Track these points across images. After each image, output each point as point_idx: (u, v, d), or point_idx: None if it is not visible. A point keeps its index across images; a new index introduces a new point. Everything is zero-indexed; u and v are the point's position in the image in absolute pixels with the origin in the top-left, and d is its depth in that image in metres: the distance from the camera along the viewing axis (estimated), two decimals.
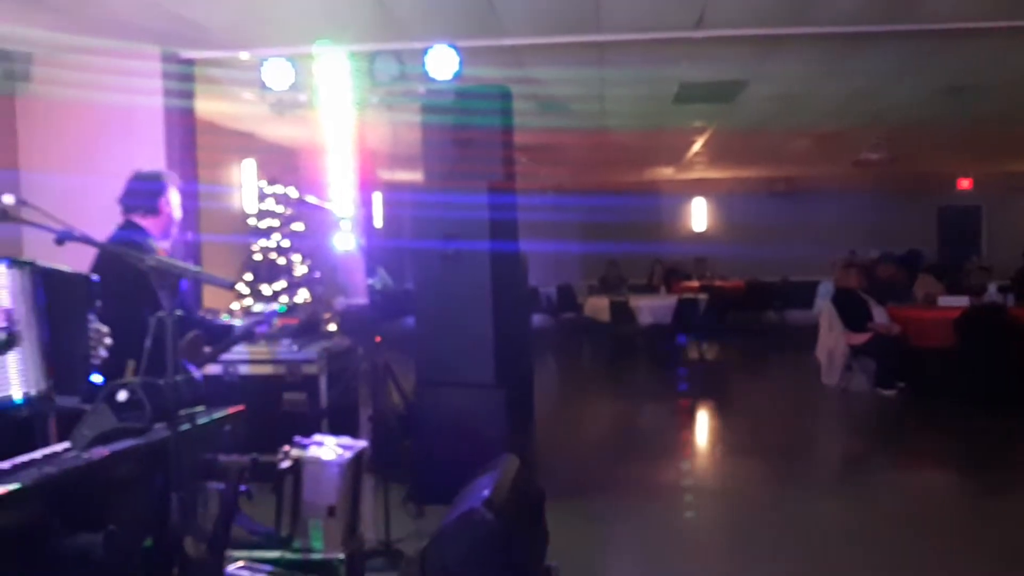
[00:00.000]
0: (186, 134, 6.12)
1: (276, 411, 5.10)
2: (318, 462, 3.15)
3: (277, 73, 5.29)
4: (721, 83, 7.75)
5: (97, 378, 2.13)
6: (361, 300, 5.43)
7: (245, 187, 9.67)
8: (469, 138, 5.34)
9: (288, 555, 3.10)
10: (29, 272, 1.88)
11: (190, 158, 6.13)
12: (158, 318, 1.97)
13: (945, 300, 9.08)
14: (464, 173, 5.27)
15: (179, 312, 2.06)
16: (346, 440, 3.34)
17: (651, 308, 11.47)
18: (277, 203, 8.93)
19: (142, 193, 3.54)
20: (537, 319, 14.68)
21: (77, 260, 2.31)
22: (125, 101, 5.74)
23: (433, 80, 5.23)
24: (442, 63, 5.17)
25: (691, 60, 6.86)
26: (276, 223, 8.90)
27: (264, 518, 3.13)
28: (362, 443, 3.37)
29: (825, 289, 10.27)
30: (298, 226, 9.03)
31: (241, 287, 8.32)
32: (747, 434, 7.33)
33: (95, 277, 2.25)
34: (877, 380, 8.49)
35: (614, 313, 11.50)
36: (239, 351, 5.04)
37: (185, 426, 2.04)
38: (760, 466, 6.13)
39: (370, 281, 4.46)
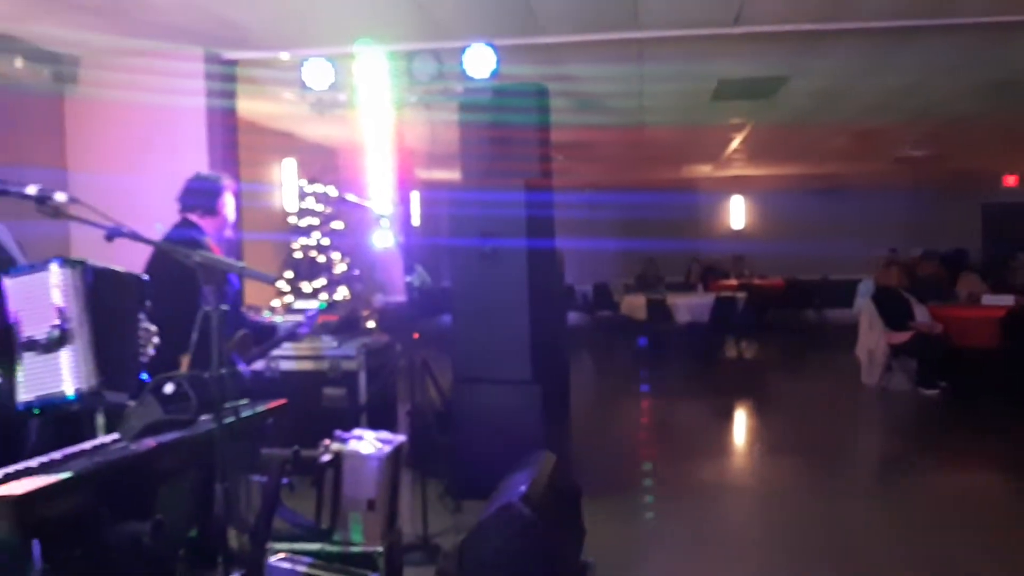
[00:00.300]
0: (228, 134, 6.23)
1: (316, 406, 5.21)
2: (358, 456, 3.18)
3: (317, 73, 5.37)
4: (760, 79, 7.69)
5: (146, 376, 2.17)
6: (399, 298, 5.49)
7: (286, 186, 9.82)
8: (506, 136, 5.36)
9: (328, 547, 3.13)
10: (80, 271, 1.90)
11: (232, 157, 6.24)
12: (204, 312, 2.01)
13: (989, 299, 8.92)
14: (501, 171, 5.30)
15: (225, 307, 2.11)
16: (385, 435, 3.38)
17: (689, 306, 11.42)
18: (317, 202, 9.08)
19: (202, 193, 3.67)
20: (573, 317, 14.66)
21: (123, 258, 2.35)
22: (169, 102, 5.86)
23: (471, 79, 5.26)
24: (480, 62, 5.20)
25: (730, 56, 6.82)
26: (316, 221, 9.06)
27: (305, 511, 3.17)
28: (401, 437, 3.41)
29: (865, 288, 10.13)
30: (337, 224, 9.17)
31: (282, 284, 8.46)
32: (785, 433, 7.27)
33: (146, 276, 2.30)
34: (918, 379, 8.37)
35: (651, 311, 11.47)
36: (281, 347, 5.13)
37: (230, 419, 2.07)
38: (798, 465, 6.08)
39: (408, 279, 4.51)
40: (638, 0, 5.33)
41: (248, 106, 7.15)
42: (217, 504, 2.09)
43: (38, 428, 2.05)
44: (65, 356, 1.85)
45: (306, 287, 8.50)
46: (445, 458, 4.93)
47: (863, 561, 4.17)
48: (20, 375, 1.86)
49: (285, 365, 5.32)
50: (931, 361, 8.27)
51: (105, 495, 1.75)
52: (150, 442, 1.97)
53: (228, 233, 3.81)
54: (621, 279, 15.67)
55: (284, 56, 6.06)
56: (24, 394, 1.85)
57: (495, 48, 5.19)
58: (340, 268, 8.99)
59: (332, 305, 7.61)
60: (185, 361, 2.26)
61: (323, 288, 8.63)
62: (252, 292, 6.47)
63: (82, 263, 1.92)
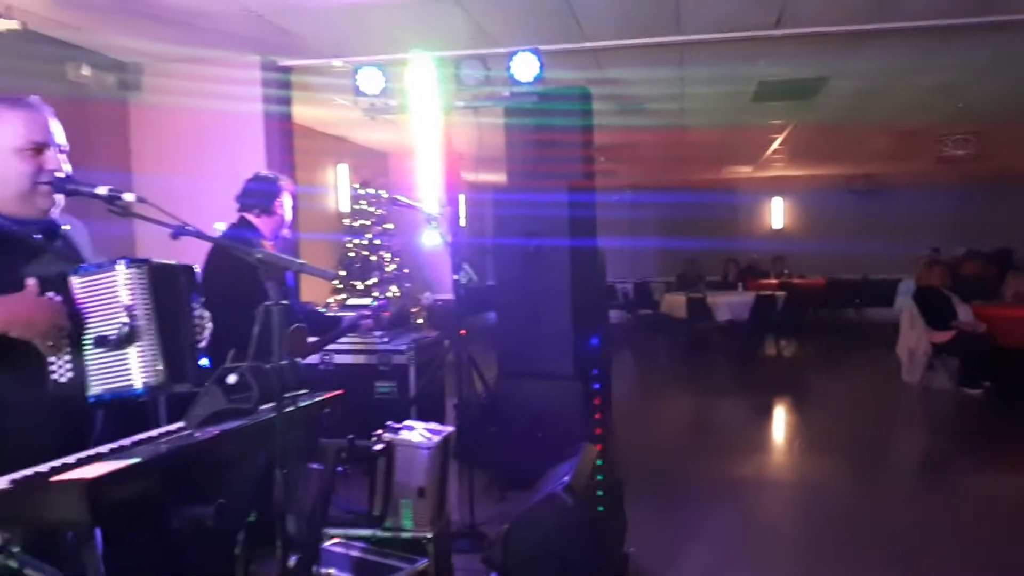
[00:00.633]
0: (284, 138, 6.45)
1: (368, 398, 5.40)
2: (409, 446, 3.26)
3: (369, 79, 5.54)
4: (801, 80, 7.69)
5: (204, 362, 2.24)
6: (447, 296, 5.64)
7: (340, 189, 10.10)
8: (550, 139, 5.50)
9: (380, 533, 3.22)
10: (146, 269, 1.97)
11: (288, 161, 6.46)
12: (265, 307, 2.04)
13: None
14: (545, 173, 5.43)
15: (286, 302, 2.22)
16: (434, 426, 3.48)
17: (729, 305, 11.42)
18: (369, 204, 9.34)
19: (259, 194, 3.75)
20: (614, 315, 14.70)
21: (183, 256, 2.46)
22: (227, 107, 6.09)
23: (516, 83, 5.39)
24: (525, 67, 5.34)
25: (770, 58, 6.84)
26: (368, 222, 9.32)
27: (358, 499, 3.29)
28: (449, 428, 3.49)
29: (906, 287, 10.04)
30: (388, 225, 9.42)
31: (336, 283, 8.73)
32: (825, 430, 7.28)
33: (199, 269, 2.35)
34: (961, 379, 8.30)
35: (691, 309, 11.49)
36: (335, 342, 5.33)
37: (289, 408, 2.10)
38: (838, 463, 6.10)
39: (455, 276, 4.63)
40: (680, 4, 5.41)
41: (303, 112, 7.37)
42: (276, 490, 2.12)
43: (105, 416, 2.13)
44: (133, 352, 1.91)
45: (359, 285, 8.75)
46: (490, 450, 5.06)
47: (903, 560, 4.17)
48: (90, 369, 1.92)
49: (339, 359, 5.54)
50: (974, 360, 8.19)
51: (170, 480, 1.80)
52: (213, 430, 2.01)
53: (285, 233, 3.87)
54: (662, 278, 15.69)
55: (337, 63, 6.27)
56: (95, 387, 1.92)
57: (539, 54, 5.32)
58: (391, 267, 9.24)
59: (386, 305, 7.82)
60: (231, 355, 2.30)
61: (375, 286, 8.88)
62: (309, 291, 6.69)
63: (147, 262, 1.98)
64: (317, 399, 2.47)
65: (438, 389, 5.56)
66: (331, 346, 5.37)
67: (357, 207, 9.46)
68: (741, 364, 11.26)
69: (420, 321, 6.42)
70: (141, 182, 6.23)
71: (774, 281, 13.99)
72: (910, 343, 8.77)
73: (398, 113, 5.61)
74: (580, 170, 5.57)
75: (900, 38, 6.26)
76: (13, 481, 1.58)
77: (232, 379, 2.05)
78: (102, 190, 1.96)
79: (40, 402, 1.89)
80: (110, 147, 6.25)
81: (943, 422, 7.73)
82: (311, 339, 4.15)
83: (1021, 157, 13.87)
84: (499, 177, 6.16)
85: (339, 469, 2.70)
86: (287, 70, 6.49)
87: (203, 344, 2.23)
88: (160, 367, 1.95)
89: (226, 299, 2.88)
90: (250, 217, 3.75)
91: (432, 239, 4.82)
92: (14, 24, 4.59)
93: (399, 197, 4.73)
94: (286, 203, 3.81)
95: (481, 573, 3.70)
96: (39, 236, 2.03)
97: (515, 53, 5.34)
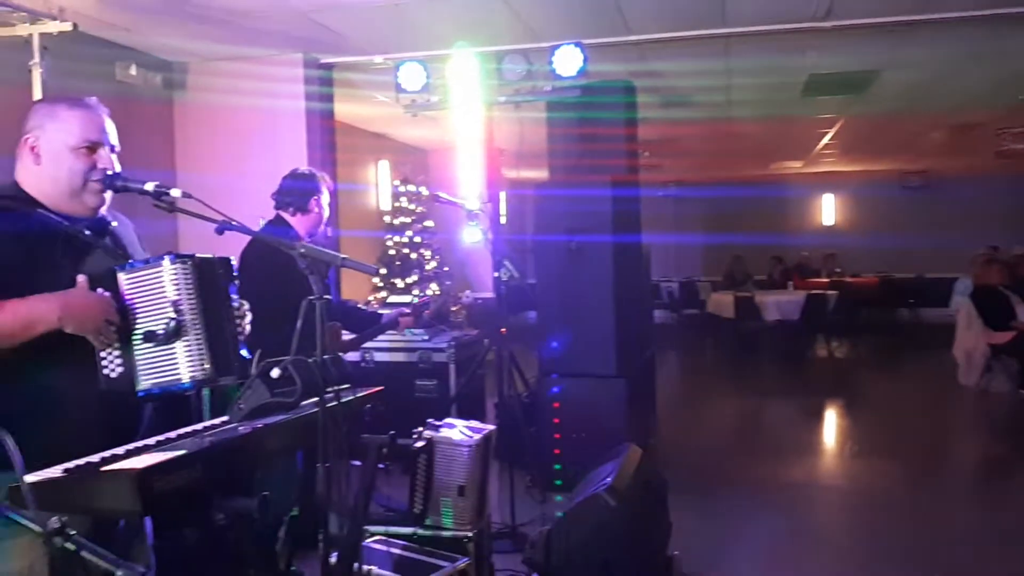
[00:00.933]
0: (326, 135, 6.49)
1: (409, 396, 5.39)
2: (450, 444, 3.25)
3: (411, 75, 5.53)
4: (852, 73, 7.52)
5: (244, 352, 2.24)
6: (488, 294, 5.62)
7: (380, 186, 10.15)
8: (593, 133, 5.43)
9: (421, 531, 3.20)
10: (191, 265, 1.99)
11: (330, 158, 6.50)
12: (308, 301, 2.05)
13: None
14: (587, 168, 5.36)
15: (328, 297, 2.21)
16: (475, 424, 3.47)
17: (778, 304, 11.23)
18: (409, 201, 9.35)
19: (296, 192, 3.72)
20: (659, 315, 14.55)
21: (226, 252, 2.48)
22: (270, 105, 6.15)
23: (559, 77, 5.33)
24: (568, 61, 5.27)
25: (820, 50, 6.69)
26: (408, 220, 9.33)
27: (399, 498, 3.28)
28: (490, 427, 3.47)
29: (963, 286, 9.75)
30: (429, 223, 9.42)
31: (376, 280, 8.77)
32: (878, 435, 7.11)
33: (235, 262, 2.35)
34: (1021, 381, 8.04)
35: (739, 309, 11.33)
36: (375, 340, 5.33)
37: (331, 403, 2.11)
38: (891, 468, 5.94)
39: (496, 274, 4.59)
40: None
41: (345, 109, 7.41)
42: (319, 485, 2.14)
43: (152, 409, 2.17)
44: (181, 347, 1.94)
45: (399, 283, 8.78)
46: (531, 450, 5.03)
47: (955, 567, 4.07)
48: (139, 364, 1.95)
49: (380, 356, 5.55)
50: None
51: (215, 472, 1.83)
52: (257, 423, 2.03)
53: (321, 230, 3.85)
54: (708, 276, 15.47)
55: (379, 59, 6.28)
56: (143, 382, 1.95)
57: (583, 47, 5.25)
58: (431, 265, 9.26)
59: (428, 302, 7.83)
60: (257, 355, 2.29)
61: (415, 284, 8.90)
62: (349, 288, 6.73)
63: (191, 257, 2.00)
64: (359, 395, 2.48)
65: (478, 388, 5.54)
66: (372, 344, 5.38)
67: (397, 204, 9.50)
68: (791, 365, 11.08)
69: (460, 319, 6.40)
70: (185, 179, 6.31)
71: (825, 280, 13.72)
72: (967, 344, 8.52)
73: (439, 109, 5.59)
74: (623, 165, 5.49)
75: (955, 28, 6.08)
76: (66, 470, 1.63)
77: (276, 373, 2.07)
78: (150, 186, 2.02)
79: (92, 396, 1.94)
80: (156, 145, 6.35)
81: (1001, 426, 7.50)
82: (350, 336, 4.15)
83: None
84: (541, 173, 6.10)
85: (380, 466, 2.71)
86: (329, 67, 6.53)
87: (243, 336, 2.26)
88: (206, 362, 1.99)
89: (264, 293, 2.90)
90: (285, 215, 3.73)
91: (472, 236, 4.79)
92: (66, 26, 4.69)
93: (440, 194, 4.70)
94: (323, 201, 3.78)
95: (522, 574, 3.68)
96: (89, 233, 2.07)
97: (558, 47, 5.28)
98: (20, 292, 1.85)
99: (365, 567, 2.79)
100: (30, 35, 4.68)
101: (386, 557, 3.01)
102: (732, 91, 8.28)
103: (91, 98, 2.11)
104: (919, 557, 4.20)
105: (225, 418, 2.10)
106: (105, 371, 1.95)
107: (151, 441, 1.90)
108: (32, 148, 2.04)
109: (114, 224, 2.18)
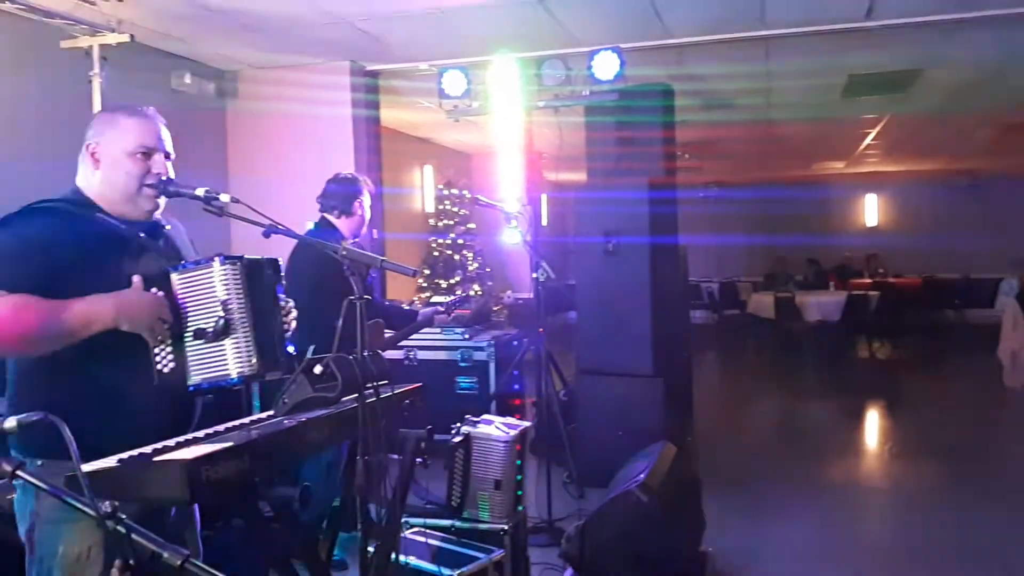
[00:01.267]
0: (372, 141, 6.65)
1: (450, 394, 5.54)
2: (486, 438, 3.33)
3: (453, 81, 5.67)
4: (894, 72, 7.43)
5: (290, 349, 2.32)
6: (529, 294, 5.73)
7: (425, 190, 10.34)
8: (631, 136, 5.50)
9: (458, 524, 3.28)
10: (240, 266, 2.06)
11: (376, 163, 6.67)
12: (349, 301, 2.13)
13: None
14: (625, 170, 5.43)
15: (368, 297, 2.28)
16: (511, 420, 3.55)
17: (819, 305, 11.13)
18: (452, 204, 9.52)
19: (339, 195, 3.87)
20: (699, 316, 14.48)
21: (274, 254, 2.59)
22: (318, 111, 6.33)
23: (597, 81, 5.41)
24: (606, 65, 5.36)
25: (861, 50, 6.64)
26: (452, 222, 9.51)
27: (438, 490, 3.38)
28: (526, 423, 3.55)
29: (1008, 286, 9.57)
30: (471, 225, 9.59)
31: (421, 281, 8.95)
32: (920, 436, 7.03)
33: (284, 264, 2.45)
34: None
35: (779, 309, 11.25)
36: (418, 339, 5.49)
37: (371, 398, 2.17)
38: (933, 470, 5.88)
39: (534, 275, 4.68)
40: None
41: (390, 115, 7.57)
42: (358, 477, 2.21)
43: (203, 403, 2.26)
44: (230, 344, 2.02)
45: (442, 284, 8.96)
46: (569, 446, 5.10)
47: (998, 571, 4.02)
48: (190, 360, 2.04)
49: (423, 355, 5.71)
50: None
51: (260, 464, 1.89)
52: (300, 417, 2.09)
53: (364, 231, 3.98)
54: (748, 277, 15.35)
55: (423, 66, 6.42)
56: (194, 377, 2.04)
57: (620, 52, 5.33)
58: (473, 266, 9.42)
59: (465, 300, 7.97)
60: (310, 350, 2.38)
61: (458, 284, 9.07)
62: (394, 289, 6.89)
63: (240, 258, 2.08)
64: (397, 391, 2.53)
65: (518, 386, 5.65)
66: (414, 342, 5.53)
67: (441, 207, 9.69)
68: (831, 366, 10.96)
69: (501, 319, 6.53)
70: (237, 183, 6.53)
71: (867, 280, 13.52)
72: (1013, 345, 8.37)
73: (480, 114, 5.71)
74: (661, 167, 5.54)
75: (1000, 24, 5.98)
76: (120, 460, 1.72)
77: (318, 369, 2.14)
78: (200, 191, 2.10)
79: (146, 390, 2.02)
80: (209, 150, 6.57)
81: None
82: (390, 334, 4.28)
83: None
84: (581, 176, 6.19)
85: (418, 460, 2.76)
86: (375, 75, 6.69)
87: (289, 333, 2.33)
88: (254, 358, 2.05)
89: (310, 292, 3.04)
90: (331, 217, 3.87)
91: (511, 238, 4.89)
92: (124, 37, 4.89)
93: (480, 197, 4.82)
94: (365, 203, 3.91)
95: (558, 567, 3.76)
96: (144, 236, 2.17)
97: (596, 52, 5.36)
98: (79, 291, 1.95)
99: (403, 557, 2.88)
100: (90, 47, 4.89)
101: (424, 548, 3.09)
102: (772, 93, 8.26)
103: (149, 108, 2.21)
104: (959, 561, 4.16)
105: (271, 412, 2.19)
106: (158, 366, 2.03)
107: (201, 434, 1.99)
108: (92, 153, 2.13)
109: (168, 228, 2.27)
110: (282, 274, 2.33)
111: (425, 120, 8.70)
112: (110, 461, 1.71)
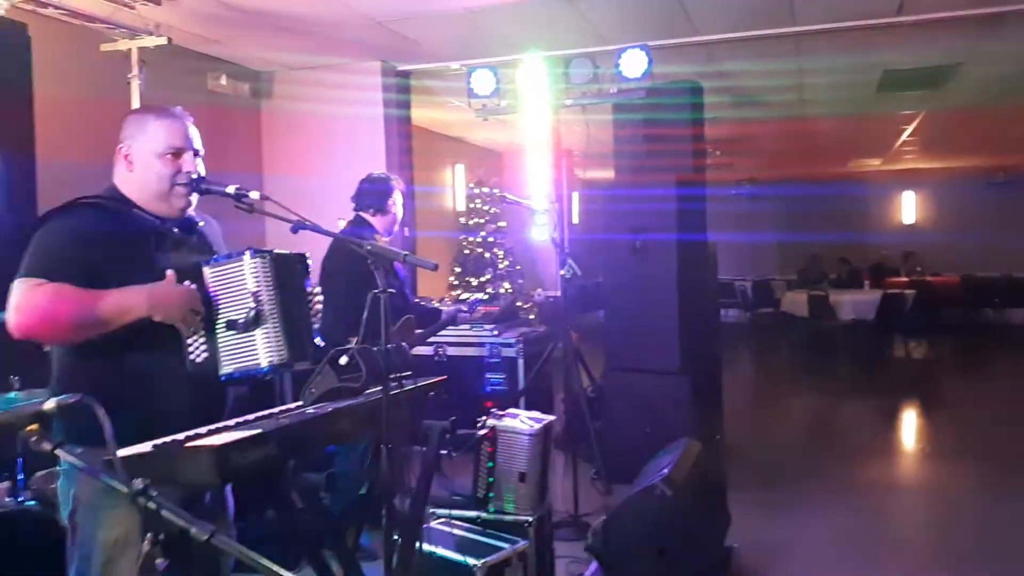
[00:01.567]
0: (403, 140, 6.74)
1: (479, 389, 5.60)
2: (511, 431, 3.38)
3: (482, 81, 5.74)
4: (929, 68, 7.34)
5: (318, 340, 2.38)
6: (558, 292, 5.78)
7: (456, 188, 10.43)
8: (659, 134, 5.50)
9: (484, 515, 3.33)
10: (270, 259, 2.14)
11: (407, 162, 6.76)
12: (374, 294, 2.18)
13: None
14: (653, 168, 5.44)
15: (392, 291, 2.34)
16: (536, 414, 3.59)
17: (853, 303, 11.01)
18: (483, 203, 9.60)
19: (372, 194, 4.01)
20: (732, 314, 14.40)
21: (305, 250, 2.67)
22: (350, 111, 6.43)
23: (625, 79, 5.44)
24: (634, 63, 5.38)
25: (895, 46, 6.58)
26: (482, 221, 9.59)
27: (464, 482, 3.45)
28: (551, 417, 3.59)
29: None
30: (501, 223, 9.65)
31: (452, 278, 9.05)
32: (955, 437, 6.94)
33: (311, 261, 2.49)
34: None
35: (812, 308, 11.14)
36: (448, 335, 5.57)
37: (395, 389, 2.21)
38: (968, 471, 5.79)
39: (561, 272, 4.72)
40: None
41: (422, 114, 7.65)
42: (383, 466, 2.26)
43: (236, 395, 2.34)
44: (260, 335, 2.08)
45: (473, 281, 9.05)
46: (596, 442, 5.13)
47: None
48: (222, 350, 2.10)
49: (452, 351, 5.79)
50: None
51: (288, 451, 1.98)
52: (326, 407, 2.17)
53: (396, 229, 4.11)
54: (782, 276, 15.20)
55: (454, 66, 6.50)
56: (226, 367, 2.11)
57: (648, 50, 5.34)
58: (503, 264, 9.50)
59: (495, 297, 8.05)
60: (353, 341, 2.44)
61: (488, 282, 9.16)
62: (425, 286, 6.97)
63: (270, 252, 2.15)
64: (421, 383, 2.58)
65: (546, 382, 5.70)
66: (444, 339, 5.61)
67: (472, 205, 9.77)
68: (866, 366, 10.85)
69: (530, 316, 6.59)
70: (271, 182, 6.66)
71: (903, 279, 13.33)
72: None
73: (509, 113, 5.77)
74: (690, 164, 5.54)
75: None
76: (155, 446, 1.81)
77: (343, 360, 2.21)
78: (230, 189, 2.17)
79: (180, 379, 2.10)
80: (244, 150, 6.71)
81: None
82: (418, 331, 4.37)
83: None
84: (610, 174, 6.22)
85: (442, 451, 2.80)
86: (406, 74, 6.78)
87: (317, 323, 2.39)
88: (283, 348, 2.12)
89: (342, 286, 3.13)
90: (366, 215, 4.01)
91: (539, 235, 4.94)
92: (162, 40, 5.02)
93: (508, 195, 4.87)
94: (398, 201, 4.05)
95: (584, 561, 3.80)
96: (177, 231, 2.25)
97: (624, 50, 5.39)
98: (115, 283, 2.03)
99: (427, 546, 2.94)
100: (129, 50, 5.03)
101: (449, 537, 3.13)
102: (804, 89, 8.20)
103: (176, 107, 2.28)
104: (990, 562, 4.10)
105: (299, 402, 2.26)
106: (191, 356, 2.10)
107: (231, 422, 2.07)
108: (125, 156, 2.21)
109: (202, 224, 2.35)
110: (309, 269, 2.39)
111: (457, 119, 8.77)
112: (145, 446, 1.80)
